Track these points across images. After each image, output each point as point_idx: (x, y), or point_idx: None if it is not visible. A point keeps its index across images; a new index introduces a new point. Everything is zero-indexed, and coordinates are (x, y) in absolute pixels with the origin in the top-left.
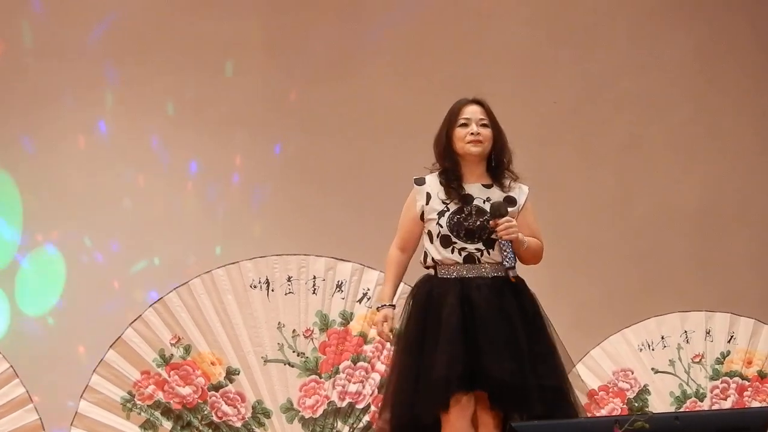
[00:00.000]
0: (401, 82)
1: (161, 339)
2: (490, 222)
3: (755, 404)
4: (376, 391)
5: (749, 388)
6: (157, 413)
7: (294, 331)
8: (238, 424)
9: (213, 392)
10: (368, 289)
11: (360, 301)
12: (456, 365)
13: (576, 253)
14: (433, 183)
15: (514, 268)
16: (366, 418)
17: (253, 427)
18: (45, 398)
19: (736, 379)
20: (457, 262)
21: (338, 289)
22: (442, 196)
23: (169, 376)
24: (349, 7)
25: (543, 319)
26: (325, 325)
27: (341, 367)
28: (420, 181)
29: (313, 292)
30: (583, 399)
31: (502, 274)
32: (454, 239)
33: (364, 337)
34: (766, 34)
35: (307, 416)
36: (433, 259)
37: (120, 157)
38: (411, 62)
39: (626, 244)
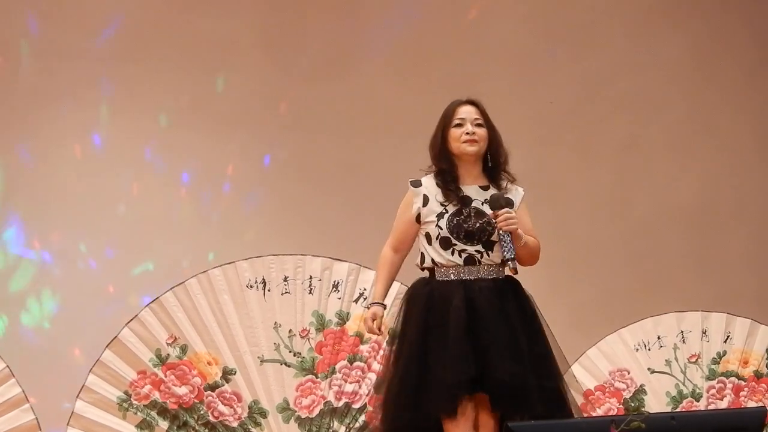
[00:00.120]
0: (399, 81)
1: (157, 339)
2: (490, 213)
3: (751, 404)
4: (372, 391)
5: (745, 388)
6: (154, 413)
7: (290, 330)
8: (235, 424)
9: (209, 392)
10: (365, 289)
11: (356, 301)
12: (466, 368)
13: (573, 253)
14: (429, 185)
15: (514, 259)
16: (362, 418)
17: (250, 427)
18: (41, 398)
19: (733, 379)
20: (458, 264)
21: (335, 289)
22: (440, 198)
23: (166, 376)
24: (346, 6)
25: (540, 320)
26: (321, 325)
27: (337, 366)
28: (416, 184)
29: (310, 292)
30: (579, 399)
31: (502, 276)
32: (454, 241)
33: (360, 337)
34: (762, 33)
35: (303, 416)
36: (432, 260)
37: (114, 164)
38: (408, 61)
39: (623, 244)
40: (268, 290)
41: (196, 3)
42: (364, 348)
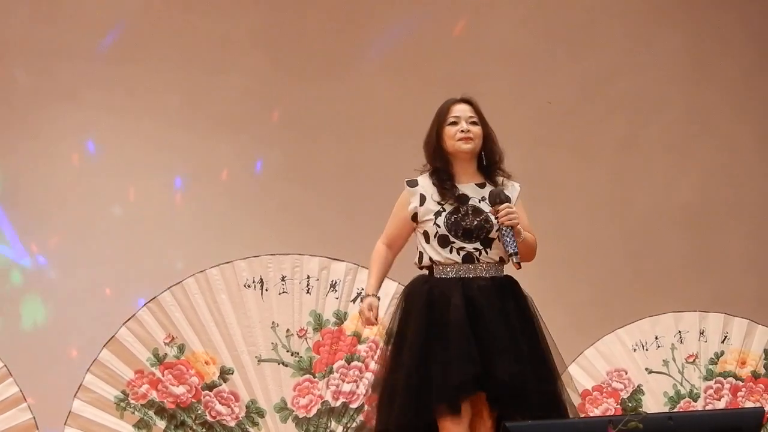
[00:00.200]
0: (397, 81)
1: (155, 338)
2: (489, 209)
3: (749, 404)
4: (370, 390)
5: (743, 389)
6: (151, 412)
7: (288, 330)
8: (232, 424)
9: (207, 391)
10: (362, 289)
11: (354, 300)
12: (469, 368)
13: (571, 253)
14: (425, 184)
15: (517, 254)
16: (360, 417)
17: (247, 427)
18: (39, 397)
19: (730, 379)
20: (456, 262)
21: (332, 288)
22: (437, 197)
23: (163, 376)
24: (344, 7)
25: (538, 320)
26: (319, 324)
27: (335, 366)
28: (413, 183)
29: (307, 292)
30: (576, 399)
31: (500, 275)
32: (452, 239)
33: (358, 337)
34: (760, 33)
35: (300, 416)
36: (430, 258)
37: (115, 165)
38: (407, 62)
39: (622, 244)
40: (266, 290)
41: (196, 3)
42: (361, 348)
